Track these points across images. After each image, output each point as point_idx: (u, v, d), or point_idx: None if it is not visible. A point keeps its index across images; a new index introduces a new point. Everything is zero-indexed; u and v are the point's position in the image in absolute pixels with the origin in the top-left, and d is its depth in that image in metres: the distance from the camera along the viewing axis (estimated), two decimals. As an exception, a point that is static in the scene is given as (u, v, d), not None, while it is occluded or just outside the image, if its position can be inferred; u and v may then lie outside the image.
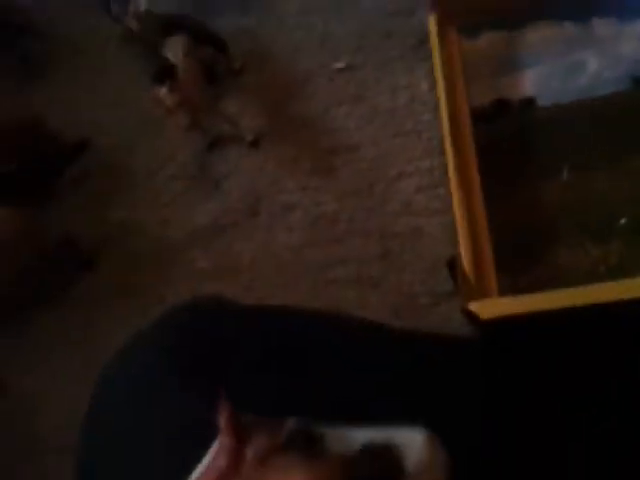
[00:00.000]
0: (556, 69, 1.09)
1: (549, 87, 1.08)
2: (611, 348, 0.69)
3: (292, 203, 1.22)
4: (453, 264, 0.80)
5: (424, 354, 0.61)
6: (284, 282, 1.15)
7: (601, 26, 1.06)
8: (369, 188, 1.17)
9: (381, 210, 1.14)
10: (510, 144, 1.06)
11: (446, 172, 1.09)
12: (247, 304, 0.83)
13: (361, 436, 0.47)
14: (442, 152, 1.12)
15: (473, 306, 0.73)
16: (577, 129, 1.04)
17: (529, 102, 1.08)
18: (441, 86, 1.04)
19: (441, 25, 1.10)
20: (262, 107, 1.35)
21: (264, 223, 1.23)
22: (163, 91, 1.19)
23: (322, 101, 1.30)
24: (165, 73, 1.21)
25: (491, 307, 0.72)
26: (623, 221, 0.96)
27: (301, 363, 0.58)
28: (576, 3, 1.09)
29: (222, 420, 0.46)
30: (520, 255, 0.98)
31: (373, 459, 0.46)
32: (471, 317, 0.74)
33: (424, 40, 1.23)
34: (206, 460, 0.47)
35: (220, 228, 1.25)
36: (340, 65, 1.32)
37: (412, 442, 0.46)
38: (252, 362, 0.59)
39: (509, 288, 0.94)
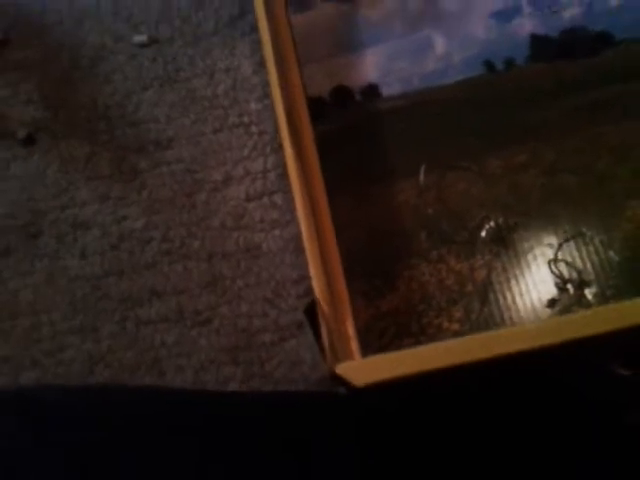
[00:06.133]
0: (400, 50, 0.95)
1: (393, 72, 0.94)
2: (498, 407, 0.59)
3: (85, 219, 0.94)
4: (312, 311, 0.62)
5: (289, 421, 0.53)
6: (80, 326, 0.88)
7: (447, 0, 0.93)
8: (188, 197, 0.93)
9: (205, 225, 0.91)
10: (355, 141, 0.91)
11: (282, 175, 0.90)
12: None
13: None
14: (275, 150, 0.94)
15: (341, 369, 0.56)
16: (428, 123, 0.91)
17: (372, 90, 0.94)
18: (272, 70, 0.85)
19: (266, -8, 0.90)
20: (39, 92, 1.04)
21: (48, 248, 0.93)
22: None
23: (121, 84, 1.04)
24: None
25: (363, 370, 0.56)
26: (486, 229, 0.85)
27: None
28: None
29: None
30: (376, 274, 0.85)
31: None
32: (340, 380, 0.57)
33: (245, 11, 1.03)
34: None
35: (-15, 257, 0.94)
36: (141, 39, 1.05)
37: None
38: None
39: (370, 318, 0.81)
